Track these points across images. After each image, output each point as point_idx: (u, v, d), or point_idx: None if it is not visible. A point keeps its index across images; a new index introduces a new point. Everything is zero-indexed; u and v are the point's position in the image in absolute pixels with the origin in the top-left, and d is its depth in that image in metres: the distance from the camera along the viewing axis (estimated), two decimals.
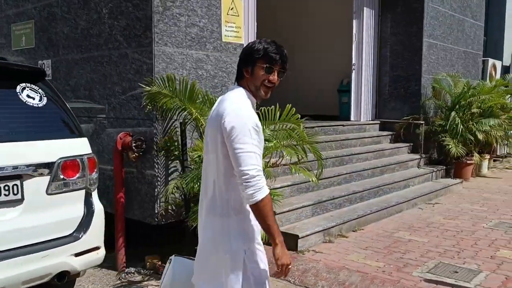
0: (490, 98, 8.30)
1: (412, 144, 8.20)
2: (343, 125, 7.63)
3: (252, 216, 2.03)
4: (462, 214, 5.99)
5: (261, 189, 1.89)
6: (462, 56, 9.50)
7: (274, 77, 2.04)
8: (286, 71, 2.09)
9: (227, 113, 1.94)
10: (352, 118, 8.36)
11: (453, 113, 7.84)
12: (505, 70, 12.77)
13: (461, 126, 7.68)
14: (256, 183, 1.88)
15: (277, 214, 4.69)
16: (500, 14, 13.19)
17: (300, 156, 4.33)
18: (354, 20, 8.18)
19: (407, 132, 8.19)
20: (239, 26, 4.71)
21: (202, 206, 2.14)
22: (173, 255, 2.44)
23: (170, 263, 2.40)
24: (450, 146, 7.57)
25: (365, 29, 8.21)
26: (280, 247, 1.96)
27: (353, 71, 8.26)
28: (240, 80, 2.11)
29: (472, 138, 7.90)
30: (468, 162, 8.31)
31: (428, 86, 8.31)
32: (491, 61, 10.87)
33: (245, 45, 2.25)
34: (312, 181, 4.15)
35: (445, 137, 7.82)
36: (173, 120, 4.14)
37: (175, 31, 4.17)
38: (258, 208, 1.91)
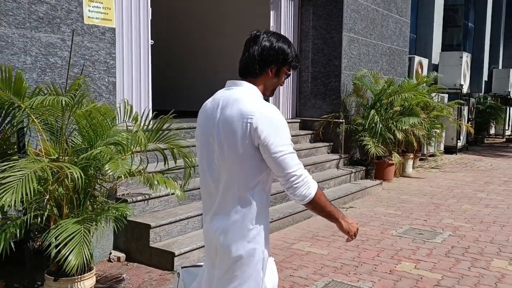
0: (412, 96, 8.03)
1: (332, 143, 7.79)
2: None
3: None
4: (373, 220, 5.58)
5: (310, 185, 1.86)
6: (386, 52, 9.21)
7: (284, 80, 2.04)
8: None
9: (258, 117, 1.80)
10: None
11: (372, 111, 7.47)
12: (434, 68, 12.72)
13: (380, 125, 7.33)
14: (305, 181, 1.84)
15: (154, 227, 4.05)
16: (429, 12, 13.13)
17: (167, 162, 3.73)
18: (271, 12, 7.65)
19: (327, 131, 7.78)
20: (108, 7, 4.01)
21: (208, 211, 2.00)
22: (180, 267, 2.29)
23: (179, 276, 2.26)
24: (369, 146, 7.19)
25: (283, 22, 7.70)
26: (345, 223, 2.00)
27: None
28: (253, 76, 1.92)
29: (392, 138, 7.58)
30: (390, 162, 8.01)
31: (349, 83, 7.92)
32: (417, 58, 10.70)
33: (268, 42, 1.92)
34: (177, 196, 3.51)
35: (365, 136, 7.45)
36: (10, 117, 3.39)
37: (13, 8, 3.42)
38: (314, 204, 1.89)
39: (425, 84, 9.03)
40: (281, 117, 1.83)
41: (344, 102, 7.86)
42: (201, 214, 4.56)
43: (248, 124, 1.78)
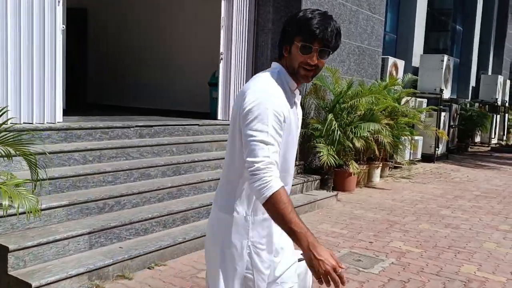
0: (377, 100, 7.30)
1: None
2: (198, 125, 6.35)
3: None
4: None
5: (270, 184, 1.58)
6: (355, 51, 8.49)
7: (313, 59, 1.70)
8: (332, 50, 1.75)
9: (248, 92, 1.71)
10: (219, 117, 7.12)
11: (330, 116, 6.73)
12: (414, 71, 12.00)
13: (339, 132, 6.58)
14: (262, 177, 1.59)
15: (15, 250, 3.30)
16: (410, 12, 12.42)
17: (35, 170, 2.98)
18: (222, 2, 6.91)
19: None
20: None
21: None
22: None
23: None
24: (321, 154, 6.45)
25: (235, 13, 6.96)
26: (313, 252, 1.53)
27: (221, 61, 7.00)
28: (280, 58, 1.83)
29: (351, 145, 6.84)
30: (351, 171, 7.27)
31: (308, 84, 7.18)
32: (391, 59, 9.98)
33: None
34: (27, 212, 2.77)
35: (320, 142, 6.71)
36: None
37: None
38: (268, 207, 1.62)
39: (399, 87, 8.31)
40: (275, 102, 1.67)
41: (302, 104, 7.12)
42: (90, 233, 3.85)
43: (241, 102, 1.71)
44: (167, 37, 9.21)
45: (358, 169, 6.80)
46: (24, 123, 4.57)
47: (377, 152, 7.12)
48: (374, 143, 7.01)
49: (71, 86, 8.68)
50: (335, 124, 6.61)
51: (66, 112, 6.50)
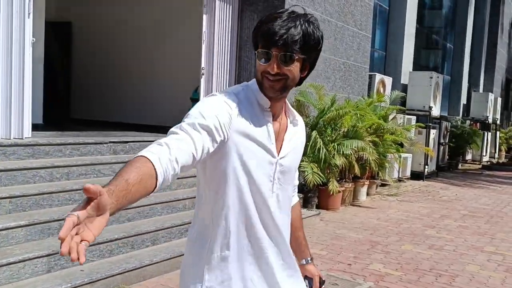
0: (362, 117, 7.18)
1: None
2: None
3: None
4: None
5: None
6: (341, 68, 8.39)
7: (272, 66, 1.39)
8: (301, 53, 1.40)
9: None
10: None
11: (314, 133, 6.59)
12: (403, 88, 11.94)
13: (324, 150, 6.43)
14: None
15: None
16: (398, 28, 12.41)
17: None
18: (204, 15, 6.80)
19: None
20: None
21: None
22: None
23: None
24: (306, 173, 6.28)
25: (217, 27, 6.85)
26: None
27: (202, 76, 6.85)
28: None
29: (335, 163, 6.69)
30: (330, 189, 7.09)
31: (291, 99, 7.06)
32: (378, 76, 9.90)
33: None
34: None
35: (303, 160, 6.55)
36: None
37: None
38: None
39: (386, 104, 8.20)
40: (206, 105, 1.39)
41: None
42: (50, 255, 3.65)
43: None
44: (151, 51, 9.10)
45: (337, 187, 6.63)
46: None
47: (357, 170, 6.95)
48: (355, 161, 6.85)
49: (53, 100, 8.53)
50: (320, 142, 6.46)
51: (43, 127, 6.37)
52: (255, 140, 1.43)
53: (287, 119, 1.54)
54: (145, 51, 9.14)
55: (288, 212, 1.60)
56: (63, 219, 0.90)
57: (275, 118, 1.49)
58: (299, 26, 1.37)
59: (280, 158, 1.48)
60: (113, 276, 3.75)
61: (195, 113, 1.33)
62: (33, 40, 4.74)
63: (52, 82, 8.76)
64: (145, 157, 1.14)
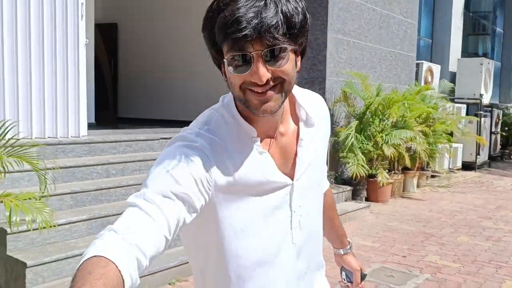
0: (410, 107, 7.02)
1: None
2: None
3: None
4: None
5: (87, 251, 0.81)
6: (387, 57, 8.22)
7: (258, 73, 0.93)
8: (290, 41, 0.94)
9: None
10: None
11: (353, 123, 6.50)
12: (452, 76, 11.56)
13: (353, 141, 6.29)
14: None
15: (33, 266, 3.25)
16: (446, 16, 12.00)
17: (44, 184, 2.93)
18: None
19: None
20: None
21: None
22: None
23: None
24: (349, 164, 6.21)
25: None
26: None
27: None
28: None
29: (386, 153, 6.55)
30: (379, 181, 6.97)
31: (337, 91, 6.99)
32: (426, 64, 9.62)
33: None
34: (39, 224, 2.70)
35: (347, 152, 6.46)
36: None
37: None
38: None
39: (435, 93, 7.96)
40: (178, 149, 0.98)
41: (331, 112, 6.92)
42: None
43: None
44: (193, 51, 9.22)
45: (387, 179, 6.50)
46: (48, 137, 4.60)
47: (407, 161, 6.78)
48: (405, 151, 6.70)
49: (101, 100, 8.81)
50: (352, 134, 6.34)
51: (95, 126, 6.60)
52: (251, 180, 1.02)
53: (297, 119, 1.12)
54: (188, 51, 9.27)
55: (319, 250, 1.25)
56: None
57: (273, 134, 1.07)
58: (271, 3, 0.90)
59: (297, 180, 1.09)
60: (171, 268, 3.84)
61: (162, 175, 0.93)
62: (87, 41, 4.92)
63: (100, 82, 9.05)
64: (105, 258, 0.76)
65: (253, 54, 0.91)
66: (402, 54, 8.65)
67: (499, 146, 13.61)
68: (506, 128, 14.16)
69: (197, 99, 9.18)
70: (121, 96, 10.62)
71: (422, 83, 9.13)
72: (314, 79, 6.91)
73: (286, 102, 1.07)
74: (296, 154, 1.10)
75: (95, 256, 0.76)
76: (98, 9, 8.00)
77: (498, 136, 13.32)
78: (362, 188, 6.92)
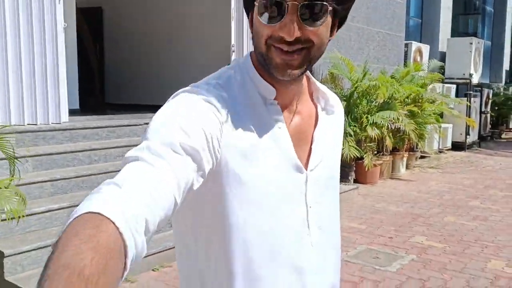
0: (398, 88, 6.96)
1: None
2: None
3: None
4: None
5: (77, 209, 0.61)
6: (375, 38, 8.14)
7: (288, 28, 0.81)
8: (330, 3, 0.82)
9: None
10: None
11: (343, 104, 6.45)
12: (441, 56, 11.50)
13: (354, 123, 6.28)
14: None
15: (11, 255, 3.20)
16: None
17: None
18: None
19: None
20: None
21: None
22: None
23: None
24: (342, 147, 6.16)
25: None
26: None
27: (233, 53, 6.79)
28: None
29: (369, 135, 6.52)
30: (374, 163, 6.96)
31: (324, 72, 6.91)
32: (415, 44, 9.55)
33: None
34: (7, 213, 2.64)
35: None
36: None
37: None
38: None
39: (424, 73, 7.90)
40: (190, 98, 0.84)
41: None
42: None
43: None
44: (181, 35, 9.08)
45: (371, 161, 6.46)
46: (28, 124, 4.50)
47: (388, 142, 6.75)
48: (388, 132, 6.66)
49: (87, 86, 8.68)
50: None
51: (79, 112, 6.49)
52: (263, 149, 0.88)
53: (316, 105, 1.00)
54: (176, 34, 9.13)
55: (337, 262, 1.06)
56: None
57: (290, 109, 0.94)
58: None
59: (311, 170, 0.93)
60: (155, 254, 3.80)
61: (168, 124, 0.77)
62: (64, 25, 4.79)
63: (86, 68, 8.90)
64: (100, 214, 0.58)
65: (289, 3, 0.79)
66: (391, 34, 8.57)
67: (489, 126, 13.65)
68: (496, 108, 14.18)
69: (188, 83, 9.07)
70: (109, 81, 10.48)
71: (412, 64, 9.06)
72: None
73: (305, 80, 0.98)
74: (312, 140, 0.96)
75: (87, 212, 0.57)
76: None
77: (488, 116, 13.34)
78: (350, 169, 6.90)
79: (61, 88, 4.71)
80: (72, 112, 5.29)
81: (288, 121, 0.93)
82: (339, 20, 0.89)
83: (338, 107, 1.05)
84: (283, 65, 0.83)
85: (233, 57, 6.78)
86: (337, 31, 0.92)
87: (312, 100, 1.00)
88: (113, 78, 10.29)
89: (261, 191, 0.87)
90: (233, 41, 6.76)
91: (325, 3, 0.80)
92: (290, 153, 0.91)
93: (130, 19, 9.68)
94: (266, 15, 0.81)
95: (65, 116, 4.80)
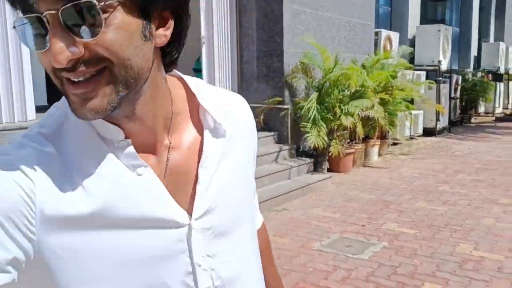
0: (368, 76, 7.03)
1: (277, 133, 6.83)
2: None
3: None
4: (300, 227, 4.65)
5: None
6: (345, 26, 8.17)
7: (53, 49, 0.54)
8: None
9: None
10: None
11: (313, 95, 6.49)
12: (411, 43, 11.65)
13: (315, 112, 6.31)
14: None
15: None
16: None
17: None
18: None
19: (272, 118, 6.81)
20: None
21: None
22: None
23: None
24: (310, 135, 6.22)
25: None
26: None
27: (203, 45, 6.73)
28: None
29: (344, 124, 6.58)
30: (346, 151, 7.04)
31: (295, 62, 6.91)
32: (384, 32, 9.64)
33: None
34: None
35: (312, 124, 6.46)
36: None
37: None
38: None
39: (394, 61, 8.00)
40: None
41: (290, 83, 6.87)
42: None
43: None
44: None
45: (339, 150, 6.52)
46: None
47: (359, 130, 6.83)
48: (361, 120, 6.74)
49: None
50: (313, 104, 6.33)
51: (48, 109, 6.34)
52: (107, 220, 0.65)
53: (201, 124, 0.76)
54: None
55: None
56: None
57: (159, 145, 0.72)
58: None
59: (197, 219, 0.71)
60: None
61: None
62: None
63: None
64: None
65: (45, 15, 0.55)
66: (361, 23, 8.63)
67: (458, 111, 13.94)
68: (465, 93, 14.49)
69: None
70: None
71: (382, 52, 9.15)
72: (272, 51, 6.81)
73: (181, 98, 0.75)
74: (196, 177, 0.72)
75: None
76: None
77: (458, 102, 13.62)
78: (324, 159, 6.96)
79: (26, 85, 4.60)
80: (40, 109, 5.17)
81: (159, 162, 0.71)
82: (173, 16, 0.65)
83: (236, 123, 0.80)
84: (79, 102, 0.60)
85: (203, 49, 6.72)
86: (181, 32, 0.69)
87: (198, 120, 0.76)
88: None
89: (110, 267, 0.65)
90: (202, 33, 6.69)
91: (94, 0, 0.55)
92: (158, 206, 0.68)
93: None
94: (31, 38, 0.58)
95: (32, 114, 4.70)
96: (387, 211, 5.17)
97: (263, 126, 6.75)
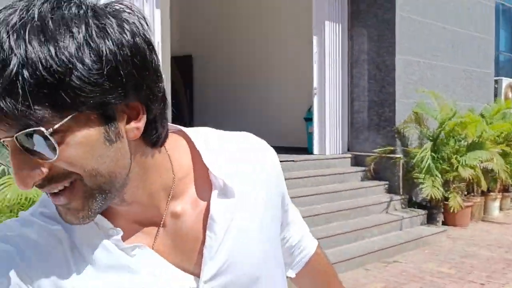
0: (487, 125, 6.72)
1: (388, 183, 6.73)
2: (294, 161, 6.36)
3: None
4: (412, 281, 4.50)
5: None
6: (461, 75, 7.95)
7: (16, 174, 0.57)
8: (63, 113, 0.54)
9: None
10: (315, 151, 7.06)
11: (427, 144, 6.34)
12: None
13: (430, 162, 6.13)
14: None
15: None
16: None
17: None
18: (314, 37, 6.98)
19: (382, 168, 6.76)
20: None
21: None
22: None
23: None
24: (424, 186, 6.04)
25: (327, 47, 6.96)
26: None
27: (315, 96, 7.00)
28: None
29: (462, 176, 6.29)
30: (465, 204, 6.68)
31: (407, 112, 6.85)
32: (506, 80, 9.15)
33: None
34: None
35: (425, 174, 6.29)
36: None
37: None
38: None
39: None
40: None
41: (402, 133, 6.79)
42: None
43: None
44: (264, 75, 9.48)
45: (459, 203, 6.20)
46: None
47: (483, 183, 6.45)
48: (483, 172, 6.39)
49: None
50: (427, 154, 6.16)
51: None
52: None
53: (210, 182, 0.73)
54: (259, 77, 9.56)
55: None
56: None
57: (156, 215, 0.71)
58: (33, 37, 0.51)
59: (207, 281, 0.70)
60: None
61: None
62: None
63: (176, 110, 9.56)
64: None
65: (4, 141, 0.55)
66: (478, 71, 8.32)
67: None
68: None
69: (272, 129, 9.38)
70: (198, 123, 11.13)
71: (503, 100, 8.68)
72: (383, 101, 6.85)
73: (184, 159, 0.73)
74: (203, 241, 0.70)
75: None
76: (173, 41, 8.54)
77: None
78: (438, 211, 6.67)
79: None
80: None
81: (161, 235, 0.70)
82: (143, 104, 0.60)
83: (260, 167, 0.78)
84: (64, 210, 0.61)
85: (315, 99, 6.99)
86: (157, 117, 0.63)
87: (202, 184, 0.73)
88: (201, 120, 10.93)
89: None
90: (315, 85, 6.98)
91: (41, 128, 0.52)
92: (156, 282, 0.67)
93: (217, 66, 10.31)
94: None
95: None
96: (510, 270, 4.79)
97: (373, 175, 6.72)
